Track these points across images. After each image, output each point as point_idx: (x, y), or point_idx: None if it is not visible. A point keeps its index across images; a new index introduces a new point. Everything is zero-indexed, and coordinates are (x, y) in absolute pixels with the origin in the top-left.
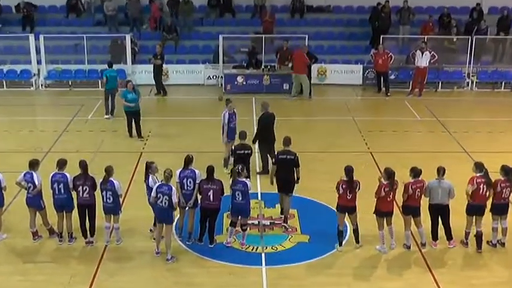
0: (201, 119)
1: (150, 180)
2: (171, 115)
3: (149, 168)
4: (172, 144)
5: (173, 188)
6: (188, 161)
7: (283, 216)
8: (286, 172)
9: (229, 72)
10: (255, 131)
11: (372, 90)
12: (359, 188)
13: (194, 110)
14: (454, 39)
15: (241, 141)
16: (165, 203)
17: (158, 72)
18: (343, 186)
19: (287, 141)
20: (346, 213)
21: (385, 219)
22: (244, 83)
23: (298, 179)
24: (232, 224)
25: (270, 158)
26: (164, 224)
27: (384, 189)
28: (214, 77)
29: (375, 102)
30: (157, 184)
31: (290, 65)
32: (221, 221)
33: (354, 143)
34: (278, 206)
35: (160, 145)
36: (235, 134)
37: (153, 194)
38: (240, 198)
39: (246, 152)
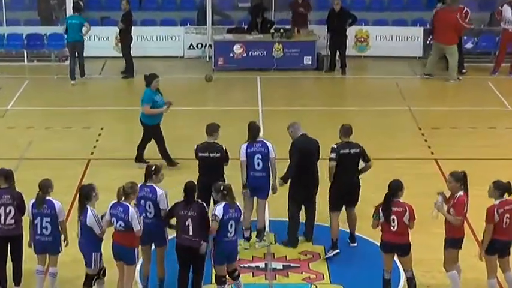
0: (178, 110)
1: (88, 214)
2: (133, 103)
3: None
4: (135, 147)
5: (131, 208)
6: (150, 172)
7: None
8: (350, 173)
9: (221, 38)
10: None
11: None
12: (411, 217)
13: (168, 96)
14: None
15: (208, 139)
16: (120, 230)
17: (122, 42)
18: (384, 210)
19: (348, 131)
20: (395, 254)
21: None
22: (245, 54)
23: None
24: (221, 281)
25: (307, 211)
26: (124, 264)
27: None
28: (200, 46)
29: (442, 84)
30: (111, 202)
31: None
32: (210, 265)
33: (411, 146)
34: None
35: (117, 148)
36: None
37: (107, 216)
38: (232, 234)
39: (212, 155)
